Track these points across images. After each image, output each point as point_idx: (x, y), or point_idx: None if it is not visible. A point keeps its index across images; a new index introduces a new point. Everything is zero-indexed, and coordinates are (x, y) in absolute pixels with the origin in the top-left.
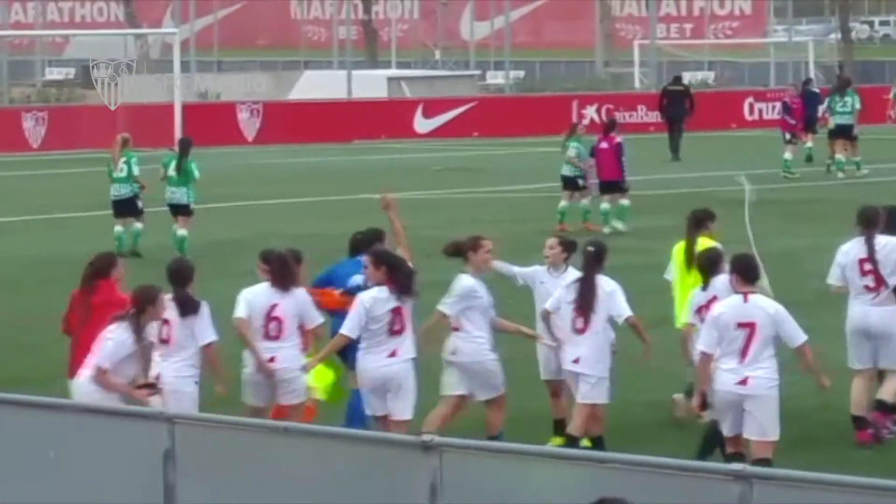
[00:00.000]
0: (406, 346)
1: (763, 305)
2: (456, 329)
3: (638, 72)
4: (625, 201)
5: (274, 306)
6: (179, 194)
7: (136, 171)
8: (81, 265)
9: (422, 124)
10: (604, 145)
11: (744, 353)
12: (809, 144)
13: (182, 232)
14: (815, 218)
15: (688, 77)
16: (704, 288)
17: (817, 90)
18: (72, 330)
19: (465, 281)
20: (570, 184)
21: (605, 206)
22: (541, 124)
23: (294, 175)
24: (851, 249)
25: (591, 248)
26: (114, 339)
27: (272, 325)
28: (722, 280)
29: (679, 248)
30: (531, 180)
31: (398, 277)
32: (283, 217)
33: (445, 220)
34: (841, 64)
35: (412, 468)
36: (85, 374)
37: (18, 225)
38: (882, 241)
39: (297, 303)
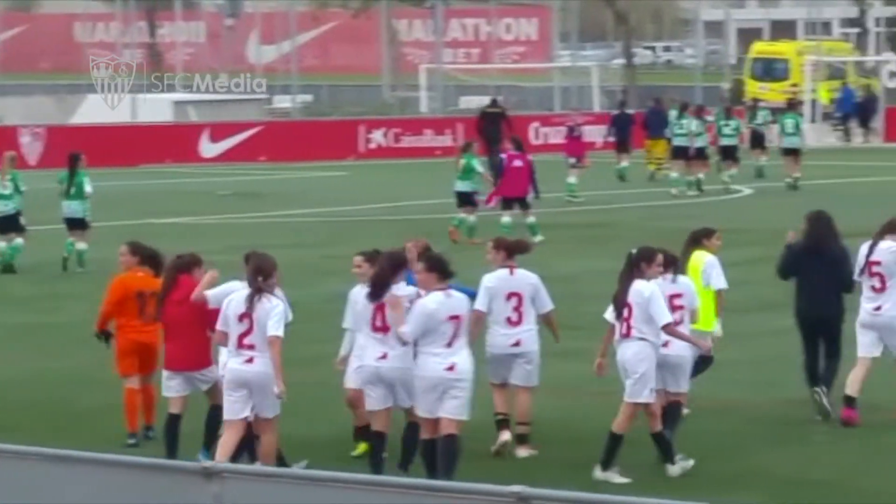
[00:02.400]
0: None
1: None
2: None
3: (425, 96)
4: (531, 218)
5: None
6: (73, 208)
7: (22, 187)
8: None
9: (208, 149)
10: (518, 163)
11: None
12: (625, 164)
13: (81, 245)
14: (600, 241)
15: (474, 101)
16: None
17: (631, 112)
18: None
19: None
20: (466, 199)
21: (506, 219)
22: (328, 148)
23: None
24: None
25: (632, 251)
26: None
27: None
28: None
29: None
30: (317, 204)
31: None
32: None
33: (229, 246)
34: (625, 88)
35: (194, 495)
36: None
37: None
38: None
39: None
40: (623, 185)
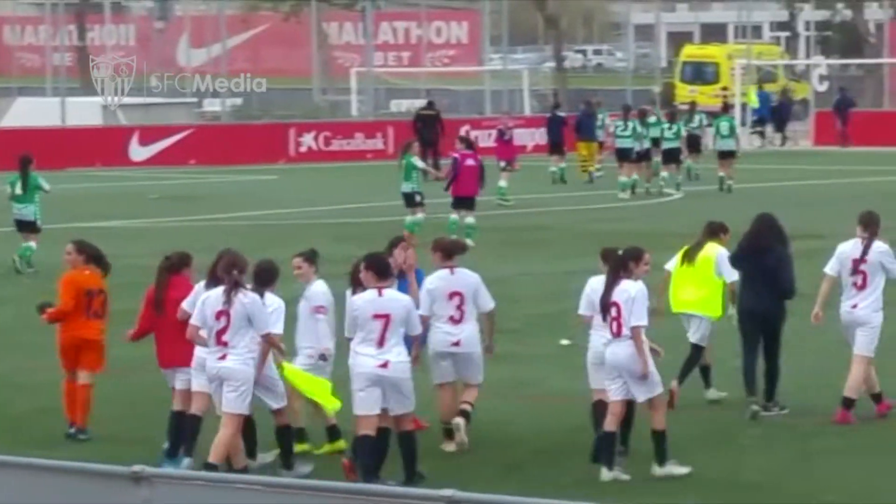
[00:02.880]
0: None
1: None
2: None
3: (355, 99)
4: (471, 219)
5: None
6: (25, 211)
7: None
8: None
9: (137, 152)
10: (471, 162)
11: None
12: (563, 165)
13: (27, 243)
14: (532, 244)
15: (405, 104)
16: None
17: (563, 114)
18: (148, 327)
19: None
20: (408, 199)
21: (454, 217)
22: (258, 152)
23: (4, 203)
24: None
25: (619, 251)
26: None
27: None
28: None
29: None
30: (248, 208)
31: None
32: None
33: (161, 249)
34: (556, 91)
35: (123, 498)
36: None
37: None
38: None
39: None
40: (554, 189)
